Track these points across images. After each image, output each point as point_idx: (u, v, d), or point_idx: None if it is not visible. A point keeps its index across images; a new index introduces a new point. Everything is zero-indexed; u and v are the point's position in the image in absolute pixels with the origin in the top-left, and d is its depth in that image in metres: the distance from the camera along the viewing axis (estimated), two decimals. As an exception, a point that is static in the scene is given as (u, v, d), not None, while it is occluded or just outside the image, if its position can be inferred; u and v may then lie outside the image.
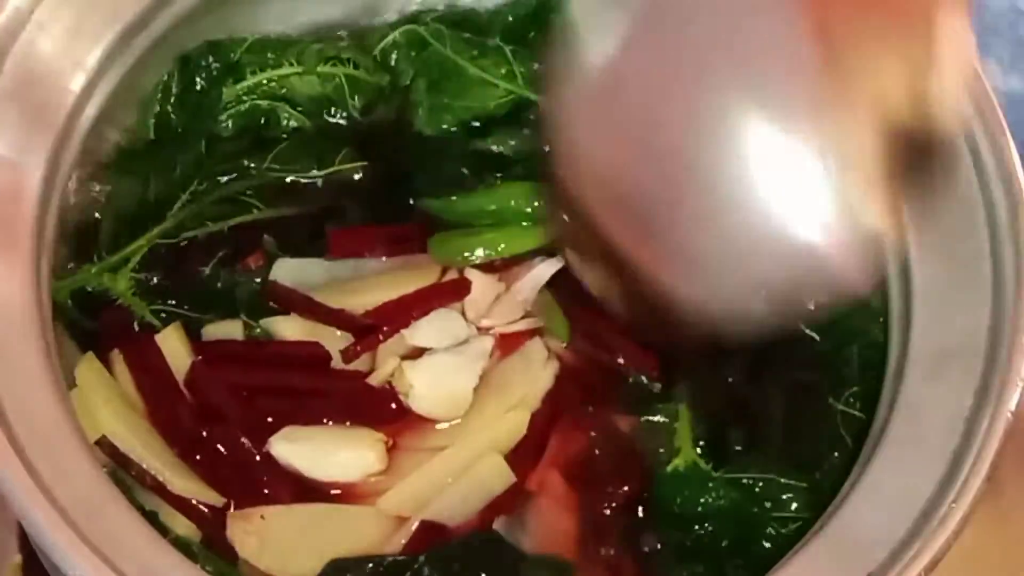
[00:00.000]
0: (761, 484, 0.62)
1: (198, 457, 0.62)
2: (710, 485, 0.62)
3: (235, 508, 0.61)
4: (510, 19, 0.73)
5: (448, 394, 0.65)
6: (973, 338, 0.58)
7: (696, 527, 0.62)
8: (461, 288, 0.67)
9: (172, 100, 0.70)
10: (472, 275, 0.68)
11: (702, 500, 0.62)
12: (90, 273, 0.65)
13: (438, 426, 0.65)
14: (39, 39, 0.61)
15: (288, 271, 0.67)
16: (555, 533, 0.62)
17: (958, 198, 0.61)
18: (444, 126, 0.71)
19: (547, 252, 0.69)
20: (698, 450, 0.63)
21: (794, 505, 0.61)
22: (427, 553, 0.59)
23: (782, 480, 0.62)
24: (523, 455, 0.64)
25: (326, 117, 0.72)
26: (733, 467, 0.63)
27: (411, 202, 0.70)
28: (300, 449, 0.63)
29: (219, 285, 0.67)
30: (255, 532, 0.60)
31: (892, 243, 0.45)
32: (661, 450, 0.63)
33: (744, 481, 0.62)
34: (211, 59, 0.70)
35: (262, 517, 0.60)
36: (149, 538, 0.52)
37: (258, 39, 0.72)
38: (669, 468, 0.63)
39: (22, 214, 0.58)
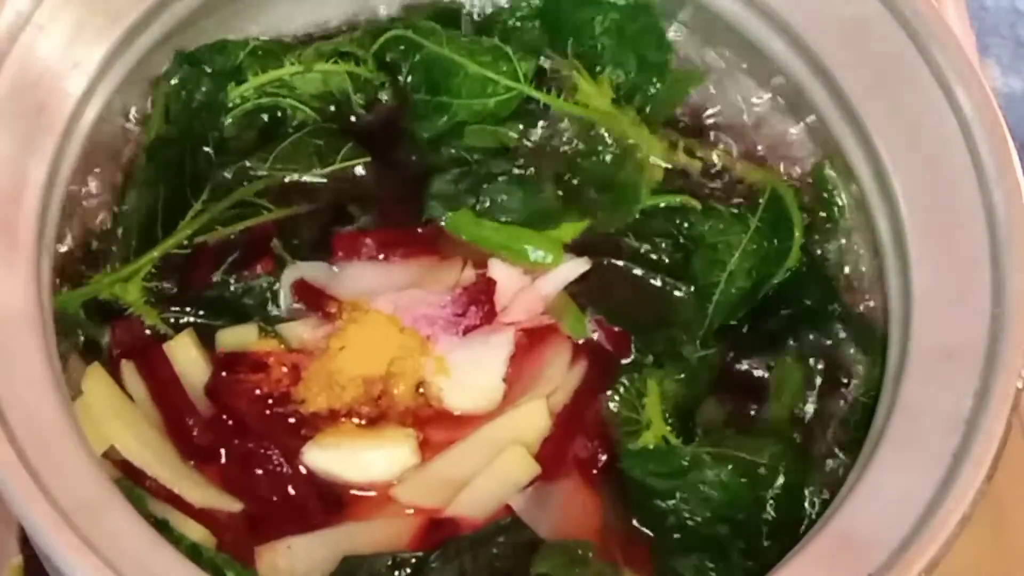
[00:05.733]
0: (737, 459, 0.62)
1: (215, 464, 0.63)
2: (683, 460, 0.62)
3: (254, 514, 0.62)
4: (509, 23, 0.73)
5: (478, 386, 0.65)
6: (973, 339, 0.58)
7: (675, 502, 0.62)
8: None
9: (178, 103, 0.69)
10: (496, 266, 0.68)
11: (675, 474, 0.62)
12: (101, 283, 0.64)
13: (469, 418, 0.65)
14: (39, 41, 0.61)
15: (299, 276, 0.67)
16: (576, 518, 0.63)
17: (958, 200, 0.62)
18: (441, 126, 0.71)
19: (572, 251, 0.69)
20: (668, 427, 0.64)
21: (779, 479, 0.62)
22: (441, 545, 0.60)
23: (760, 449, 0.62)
24: (550, 449, 0.64)
25: (329, 113, 0.72)
26: (705, 441, 0.63)
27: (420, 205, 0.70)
28: (334, 455, 0.63)
29: (231, 291, 0.67)
30: (284, 563, 0.60)
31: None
32: (631, 424, 0.64)
33: (721, 455, 0.62)
34: (216, 61, 0.70)
35: (288, 547, 0.60)
36: (149, 539, 0.52)
37: (260, 42, 0.71)
38: (640, 442, 0.64)
39: (23, 215, 0.58)
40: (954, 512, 0.53)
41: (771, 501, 0.61)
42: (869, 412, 0.62)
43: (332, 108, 0.72)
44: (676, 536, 0.62)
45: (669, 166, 0.71)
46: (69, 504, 0.51)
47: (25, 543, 0.64)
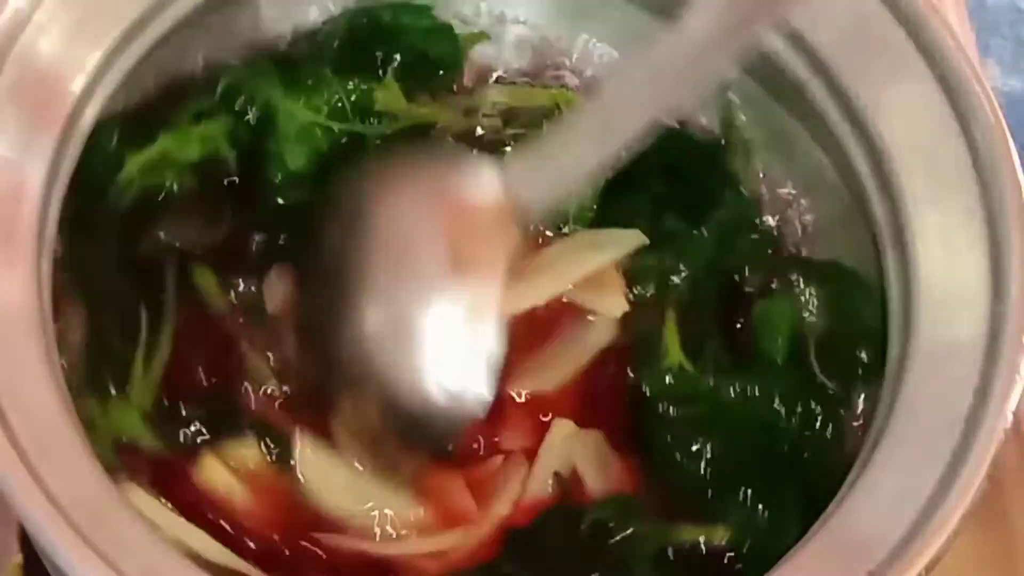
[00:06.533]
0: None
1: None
2: (707, 383, 0.64)
3: None
4: (336, 44, 0.72)
5: None
6: (973, 337, 0.58)
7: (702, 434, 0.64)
8: None
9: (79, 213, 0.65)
10: None
11: (700, 397, 0.64)
12: (100, 427, 0.62)
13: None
14: (39, 40, 0.61)
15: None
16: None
17: (958, 198, 0.62)
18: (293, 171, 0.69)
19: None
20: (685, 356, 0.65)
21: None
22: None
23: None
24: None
25: (211, 176, 0.69)
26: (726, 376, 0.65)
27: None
28: None
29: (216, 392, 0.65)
30: None
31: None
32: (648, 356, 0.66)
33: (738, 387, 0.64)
34: (94, 153, 0.65)
35: None
36: (151, 538, 0.52)
37: (130, 121, 0.68)
38: (659, 370, 0.65)
39: (23, 214, 0.58)
40: (955, 509, 0.53)
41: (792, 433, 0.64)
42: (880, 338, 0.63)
43: (213, 170, 0.69)
44: (711, 479, 0.63)
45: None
46: (70, 502, 0.51)
47: (26, 542, 0.64)
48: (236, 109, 0.69)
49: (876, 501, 0.56)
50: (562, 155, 0.59)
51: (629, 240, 0.68)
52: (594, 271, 0.67)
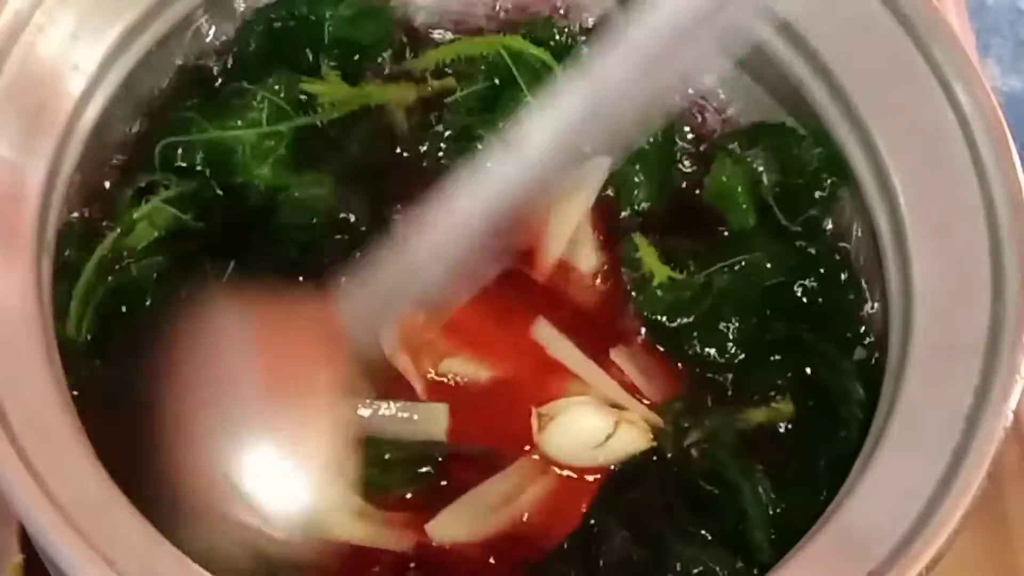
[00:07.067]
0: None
1: None
2: (698, 285, 0.67)
3: None
4: (253, 49, 0.71)
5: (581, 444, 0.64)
6: (973, 337, 0.58)
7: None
8: None
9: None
10: None
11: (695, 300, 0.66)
12: None
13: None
14: (39, 41, 0.61)
15: None
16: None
17: (958, 198, 0.62)
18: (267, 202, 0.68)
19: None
20: (669, 267, 0.67)
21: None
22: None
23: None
24: None
25: (178, 247, 0.66)
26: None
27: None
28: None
29: None
30: None
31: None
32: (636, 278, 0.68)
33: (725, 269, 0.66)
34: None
35: None
36: (151, 538, 0.52)
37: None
38: (654, 286, 0.67)
39: (23, 215, 0.58)
40: (955, 509, 0.53)
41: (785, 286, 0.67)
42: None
43: (177, 240, 0.66)
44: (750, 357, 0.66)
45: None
46: (70, 502, 0.51)
47: (26, 542, 0.64)
48: (181, 165, 0.67)
49: (877, 501, 0.56)
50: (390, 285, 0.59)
51: (598, 170, 0.69)
52: (578, 222, 0.69)
